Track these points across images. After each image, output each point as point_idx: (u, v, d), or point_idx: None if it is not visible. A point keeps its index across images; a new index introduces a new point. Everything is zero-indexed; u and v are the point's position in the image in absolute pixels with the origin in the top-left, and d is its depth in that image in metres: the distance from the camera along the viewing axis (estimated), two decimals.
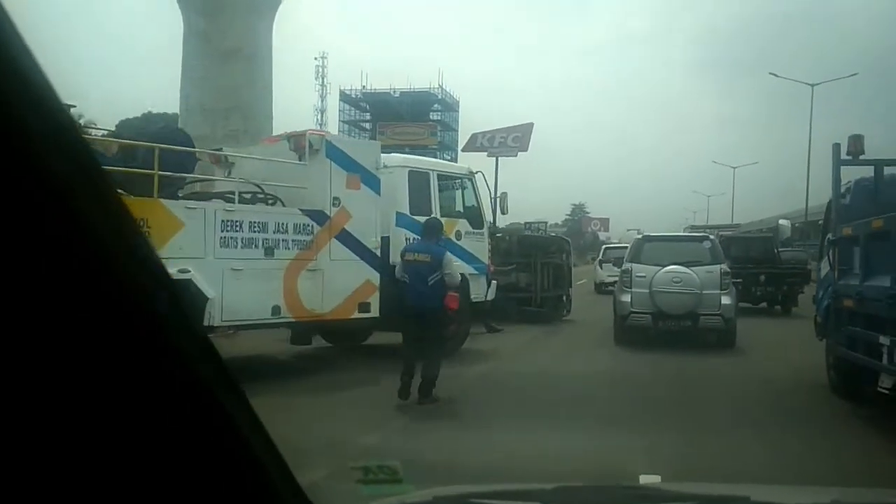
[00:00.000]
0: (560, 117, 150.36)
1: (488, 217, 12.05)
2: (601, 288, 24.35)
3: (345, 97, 61.19)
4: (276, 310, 8.32)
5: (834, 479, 4.69)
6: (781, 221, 20.45)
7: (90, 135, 8.54)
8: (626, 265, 12.47)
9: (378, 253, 9.53)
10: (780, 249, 20.19)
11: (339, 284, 9.01)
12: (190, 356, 0.69)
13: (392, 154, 10.77)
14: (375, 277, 9.47)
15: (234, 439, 0.72)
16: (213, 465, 0.70)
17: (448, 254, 7.91)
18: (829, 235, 8.31)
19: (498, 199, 11.97)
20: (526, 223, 38.24)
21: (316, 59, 67.77)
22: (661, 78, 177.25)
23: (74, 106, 9.94)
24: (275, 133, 14.59)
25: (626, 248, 22.68)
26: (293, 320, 8.74)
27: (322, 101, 66.69)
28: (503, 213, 12.33)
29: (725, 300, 11.65)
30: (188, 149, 8.91)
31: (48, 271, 0.57)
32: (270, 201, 8.94)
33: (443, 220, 9.63)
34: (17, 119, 0.55)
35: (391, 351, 10.00)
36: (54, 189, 0.57)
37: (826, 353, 8.22)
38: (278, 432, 0.85)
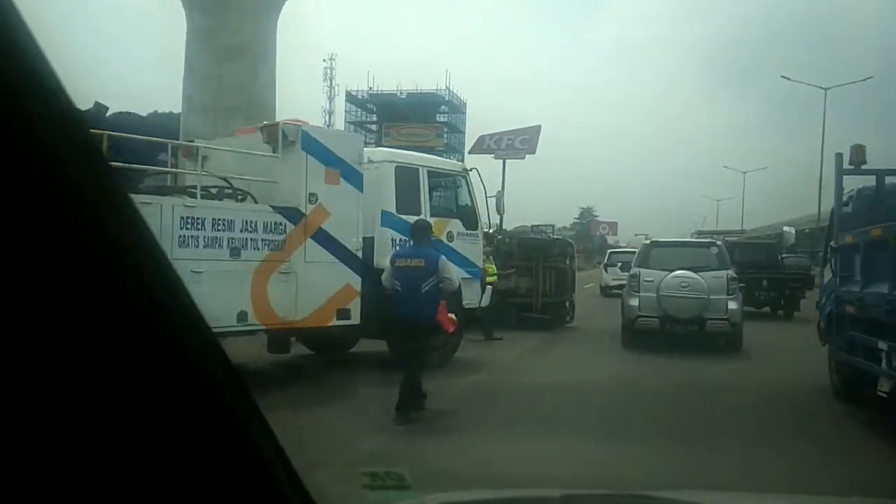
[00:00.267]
0: (569, 121, 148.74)
1: (484, 217, 11.23)
2: (606, 291, 25.03)
3: (351, 98, 60.70)
4: (242, 316, 7.51)
5: (828, 484, 4.69)
6: (785, 228, 20.77)
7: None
8: (635, 270, 12.63)
9: (360, 255, 8.76)
10: (784, 255, 20.69)
11: (315, 289, 8.22)
12: (197, 354, 0.68)
13: (378, 148, 9.99)
14: (356, 281, 8.69)
15: (240, 440, 0.71)
16: (219, 466, 0.68)
17: (443, 258, 7.24)
18: (832, 243, 8.47)
19: (494, 199, 11.16)
20: (533, 226, 37.78)
21: (325, 60, 67.09)
22: (672, 82, 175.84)
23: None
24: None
25: (631, 252, 23.83)
26: (262, 328, 7.97)
27: (330, 102, 66.01)
28: (499, 213, 11.57)
29: (732, 305, 11.79)
30: (151, 139, 8.19)
31: (56, 268, 0.57)
32: (240, 197, 8.18)
33: (433, 220, 8.88)
34: (26, 116, 0.56)
35: (379, 359, 9.40)
36: (61, 185, 0.58)
37: (829, 358, 8.39)
38: None
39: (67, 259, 0.57)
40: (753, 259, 19.00)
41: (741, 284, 13.03)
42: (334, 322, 8.53)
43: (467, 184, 10.67)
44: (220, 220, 7.41)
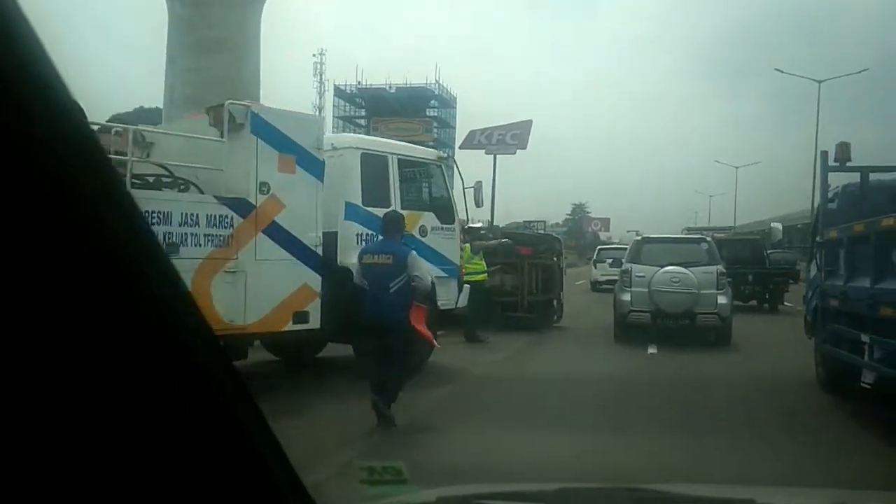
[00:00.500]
0: (561, 116, 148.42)
1: (462, 211, 10.35)
2: (596, 286, 26.11)
3: (339, 92, 59.86)
4: None
5: (816, 476, 4.74)
6: (773, 224, 21.37)
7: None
8: (626, 265, 12.85)
9: (319, 251, 7.89)
10: (770, 251, 21.37)
11: (267, 290, 7.34)
12: (197, 352, 0.69)
13: (342, 134, 9.11)
14: (315, 281, 7.83)
15: (238, 436, 0.72)
16: (217, 461, 0.69)
17: (413, 253, 6.59)
18: (818, 238, 8.62)
19: (472, 191, 10.28)
20: (525, 222, 37.23)
21: (314, 55, 65.91)
22: (666, 78, 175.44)
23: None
24: None
25: (619, 248, 25.52)
26: None
27: (320, 98, 64.90)
28: (477, 205, 10.66)
29: (722, 299, 12.08)
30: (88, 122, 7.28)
31: (57, 265, 0.57)
32: (182, 187, 7.30)
33: (405, 213, 8.01)
34: (26, 112, 0.55)
35: (346, 365, 8.70)
36: (63, 183, 0.58)
37: (815, 351, 8.64)
38: None
39: (68, 257, 0.57)
40: (740, 255, 19.57)
41: (729, 279, 13.28)
42: (290, 327, 7.65)
43: (443, 173, 9.79)
44: (154, 212, 6.50)
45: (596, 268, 27.54)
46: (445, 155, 10.29)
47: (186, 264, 6.72)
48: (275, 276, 7.43)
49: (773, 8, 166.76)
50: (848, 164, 8.26)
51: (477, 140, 41.32)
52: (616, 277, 14.29)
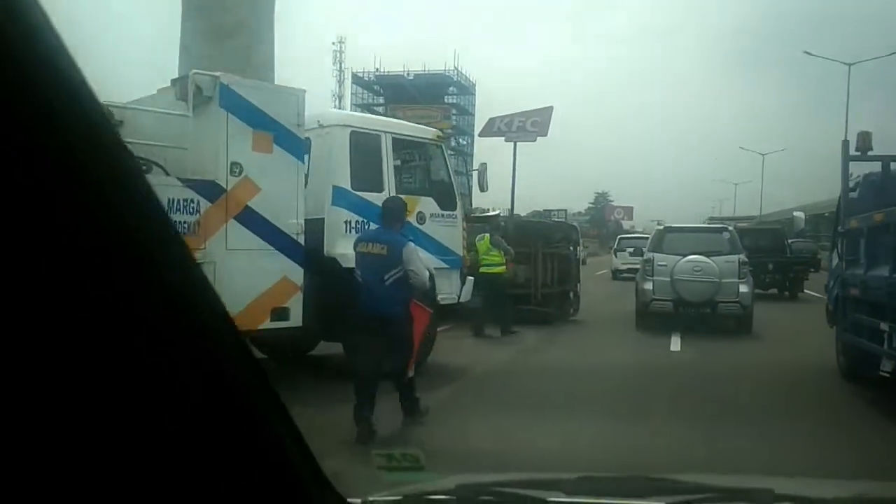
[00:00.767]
0: (583, 104, 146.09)
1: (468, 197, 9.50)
2: (617, 275, 26.88)
3: (357, 80, 59.35)
4: None
5: (836, 465, 4.69)
6: (796, 213, 21.30)
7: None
8: (649, 255, 12.97)
9: (301, 240, 7.09)
10: (792, 240, 21.77)
11: (241, 284, 6.52)
12: (220, 345, 0.68)
13: (329, 109, 8.27)
14: (297, 274, 7.03)
15: (260, 424, 0.71)
16: (236, 450, 0.69)
17: (410, 245, 5.95)
18: (839, 227, 8.68)
19: (477, 173, 9.39)
20: (545, 211, 36.29)
21: (333, 44, 65.24)
22: (691, 64, 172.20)
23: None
24: None
25: (639, 237, 26.66)
26: None
27: (340, 86, 64.26)
28: (482, 189, 9.79)
29: (743, 288, 12.19)
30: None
31: (76, 258, 0.56)
32: (144, 167, 6.52)
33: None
34: (48, 108, 0.54)
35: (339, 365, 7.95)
36: (83, 175, 0.57)
37: (836, 339, 8.65)
38: None
39: (86, 249, 0.56)
40: (761, 244, 19.87)
41: (750, 268, 13.28)
42: (268, 325, 6.86)
43: (443, 154, 8.91)
44: None
45: (616, 256, 28.49)
46: (446, 133, 9.41)
47: None
48: (249, 268, 6.65)
49: None
50: (869, 153, 8.25)
51: (497, 127, 40.45)
52: (636, 266, 14.40)
